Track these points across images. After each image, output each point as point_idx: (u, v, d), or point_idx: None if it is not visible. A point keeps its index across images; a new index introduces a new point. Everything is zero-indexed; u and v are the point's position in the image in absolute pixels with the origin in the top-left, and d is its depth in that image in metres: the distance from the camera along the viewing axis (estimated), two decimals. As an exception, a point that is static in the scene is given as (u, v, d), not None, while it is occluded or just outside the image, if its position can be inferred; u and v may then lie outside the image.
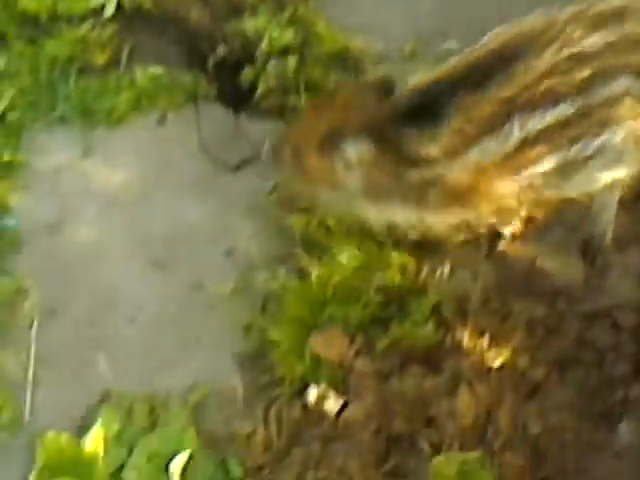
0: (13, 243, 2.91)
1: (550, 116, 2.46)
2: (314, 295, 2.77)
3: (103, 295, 2.83)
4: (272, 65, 3.25)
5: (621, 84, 2.49)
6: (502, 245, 2.91)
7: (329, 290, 2.77)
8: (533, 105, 2.47)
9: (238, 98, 3.28)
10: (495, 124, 2.49)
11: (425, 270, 2.85)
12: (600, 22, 2.51)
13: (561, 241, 2.92)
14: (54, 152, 3.11)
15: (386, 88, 2.61)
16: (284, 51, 3.29)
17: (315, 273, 2.79)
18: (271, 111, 3.22)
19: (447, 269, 2.86)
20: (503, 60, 2.50)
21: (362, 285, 2.79)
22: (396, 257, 2.85)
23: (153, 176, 3.07)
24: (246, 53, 3.32)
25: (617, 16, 2.52)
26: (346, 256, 2.82)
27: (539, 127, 2.47)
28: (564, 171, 2.56)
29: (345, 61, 3.33)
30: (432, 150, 2.51)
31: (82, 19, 3.40)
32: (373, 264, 2.84)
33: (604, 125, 2.51)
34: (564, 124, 2.48)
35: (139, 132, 3.18)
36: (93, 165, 3.08)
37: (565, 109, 2.47)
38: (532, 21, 2.57)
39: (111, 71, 3.30)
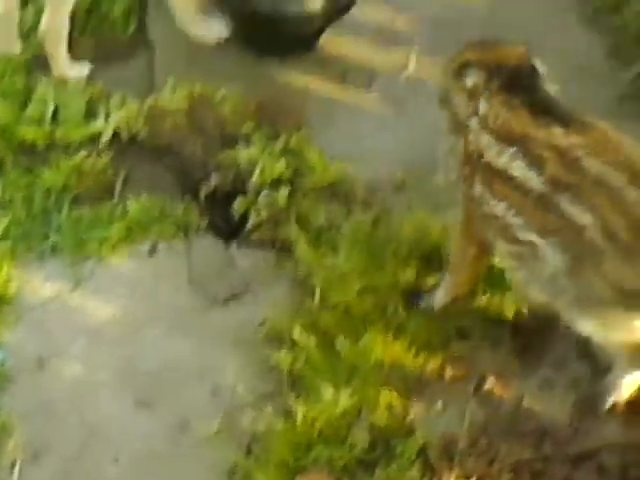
0: (0, 380, 2.91)
1: None
2: (299, 436, 2.76)
3: (87, 434, 2.82)
4: (264, 196, 3.28)
5: None
6: (489, 383, 2.91)
7: (315, 431, 2.77)
8: None
9: (229, 229, 3.31)
10: None
11: (413, 409, 2.85)
12: None
13: (546, 380, 2.92)
14: (45, 284, 3.13)
15: None
16: (276, 182, 3.33)
17: (301, 413, 2.78)
18: (262, 243, 3.24)
19: (435, 408, 2.86)
20: None
21: (349, 425, 2.79)
22: (385, 395, 2.84)
23: (142, 310, 3.08)
24: (238, 184, 3.36)
25: None
26: (333, 395, 2.81)
27: None
28: None
29: (336, 191, 3.35)
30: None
31: (78, 147, 3.44)
32: (360, 403, 2.83)
33: None
34: None
35: (130, 263, 3.20)
36: (83, 298, 3.10)
37: None
38: None
39: (105, 200, 3.34)
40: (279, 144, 3.42)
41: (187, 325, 3.04)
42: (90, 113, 3.53)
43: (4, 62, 3.64)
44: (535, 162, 2.63)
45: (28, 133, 3.45)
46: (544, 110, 2.71)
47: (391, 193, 3.37)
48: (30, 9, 3.78)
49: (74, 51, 3.72)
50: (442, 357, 2.93)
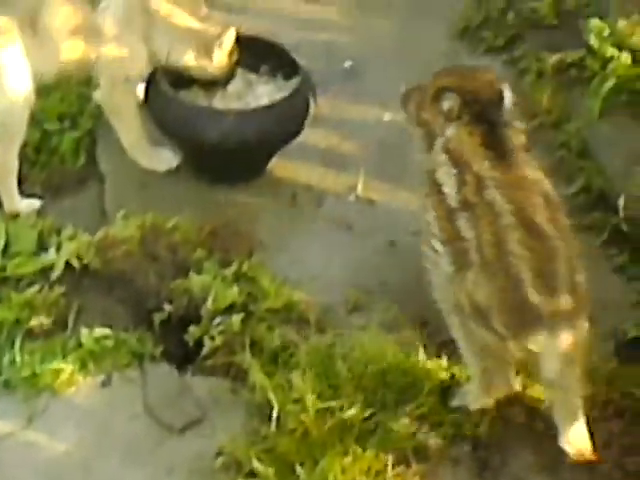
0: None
1: None
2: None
3: None
4: (217, 323, 3.28)
5: None
6: None
7: None
8: None
9: (184, 357, 3.30)
10: None
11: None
12: None
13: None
14: (-3, 421, 3.09)
15: None
16: (229, 308, 3.33)
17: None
18: (217, 369, 3.23)
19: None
20: None
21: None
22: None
23: (96, 442, 3.04)
24: (192, 311, 3.36)
25: None
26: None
27: None
28: None
29: (290, 315, 3.36)
30: None
31: (30, 280, 3.43)
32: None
33: None
34: None
35: (84, 395, 3.17)
36: (36, 434, 3.05)
37: None
38: None
39: (58, 333, 3.32)
40: (232, 270, 3.43)
41: (142, 455, 3.00)
42: (41, 246, 3.53)
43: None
44: (459, 183, 2.95)
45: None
46: (494, 145, 3.00)
47: (345, 315, 3.39)
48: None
49: (24, 185, 3.74)
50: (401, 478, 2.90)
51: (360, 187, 3.80)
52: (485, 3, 4.42)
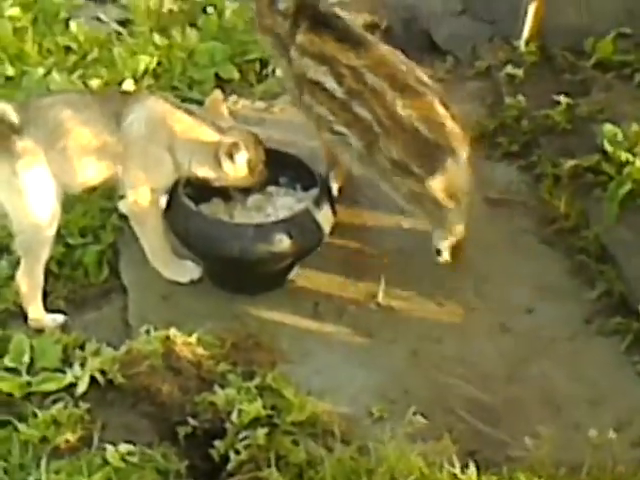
0: None
1: None
2: None
3: None
4: (242, 437, 3.28)
5: None
6: None
7: None
8: None
9: (210, 472, 3.29)
10: None
11: None
12: None
13: None
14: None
15: None
16: (254, 421, 3.33)
17: None
18: (242, 484, 3.22)
19: None
20: None
21: None
22: None
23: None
24: (217, 425, 3.36)
25: None
26: None
27: None
28: None
29: (315, 427, 3.36)
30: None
31: (55, 397, 3.45)
32: None
33: None
34: None
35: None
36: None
37: None
38: None
39: (83, 450, 3.32)
40: (255, 382, 3.44)
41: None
42: (66, 361, 3.55)
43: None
44: (338, 77, 3.73)
45: (5, 385, 3.46)
46: (345, 37, 3.77)
47: (369, 425, 3.38)
48: (4, 261, 3.85)
49: (48, 299, 3.78)
50: None
51: (381, 295, 3.82)
52: (499, 111, 4.48)
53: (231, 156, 3.72)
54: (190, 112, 3.81)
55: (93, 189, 3.88)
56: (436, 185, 3.69)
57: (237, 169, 3.75)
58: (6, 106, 3.59)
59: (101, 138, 3.67)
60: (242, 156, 3.73)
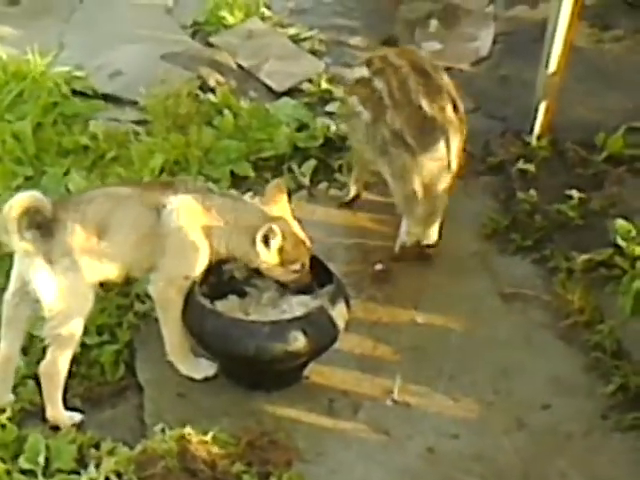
0: None
1: None
2: None
3: None
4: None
5: None
6: None
7: None
8: None
9: None
10: None
11: None
12: None
13: None
14: None
15: None
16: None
17: None
18: None
19: None
20: None
21: None
22: None
23: None
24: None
25: None
26: None
27: None
28: None
29: None
30: None
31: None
32: None
33: None
34: None
35: None
36: None
37: None
38: None
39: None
40: (271, 483, 3.43)
41: None
42: (81, 461, 3.55)
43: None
44: (367, 63, 4.37)
45: (21, 484, 3.46)
46: None
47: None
48: (22, 361, 3.86)
49: (64, 397, 3.79)
50: None
51: (396, 391, 3.82)
52: (512, 205, 4.52)
53: (267, 241, 3.74)
54: (230, 196, 3.93)
55: (111, 288, 3.91)
56: (425, 162, 4.10)
57: (270, 254, 3.77)
58: (43, 198, 3.64)
59: (141, 230, 3.73)
60: (277, 241, 3.75)
